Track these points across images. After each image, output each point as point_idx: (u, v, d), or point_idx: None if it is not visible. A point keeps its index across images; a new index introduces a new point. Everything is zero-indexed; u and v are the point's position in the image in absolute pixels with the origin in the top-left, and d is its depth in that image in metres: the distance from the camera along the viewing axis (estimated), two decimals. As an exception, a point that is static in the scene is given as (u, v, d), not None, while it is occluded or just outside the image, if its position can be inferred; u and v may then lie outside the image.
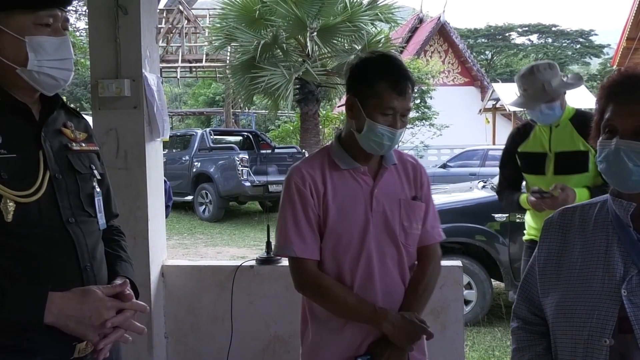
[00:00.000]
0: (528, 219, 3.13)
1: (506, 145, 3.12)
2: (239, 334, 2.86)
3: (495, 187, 3.13)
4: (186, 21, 18.45)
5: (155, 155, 2.88)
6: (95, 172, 1.56)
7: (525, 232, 3.18)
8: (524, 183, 3.12)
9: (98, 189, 1.55)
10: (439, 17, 23.95)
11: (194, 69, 20.58)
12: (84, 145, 1.55)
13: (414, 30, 25.23)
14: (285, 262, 2.93)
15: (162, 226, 3.01)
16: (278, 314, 2.89)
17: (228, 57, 17.22)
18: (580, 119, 2.89)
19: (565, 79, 2.96)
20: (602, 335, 1.28)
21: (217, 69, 20.26)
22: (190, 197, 12.57)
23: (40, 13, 1.39)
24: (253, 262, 2.93)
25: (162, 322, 2.94)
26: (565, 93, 2.90)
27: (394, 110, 1.80)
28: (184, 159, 12.66)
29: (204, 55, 19.26)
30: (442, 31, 23.93)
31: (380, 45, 14.74)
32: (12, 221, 1.33)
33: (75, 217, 1.45)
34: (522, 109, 3.85)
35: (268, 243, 2.96)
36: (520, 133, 3.05)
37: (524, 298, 1.51)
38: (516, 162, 2.99)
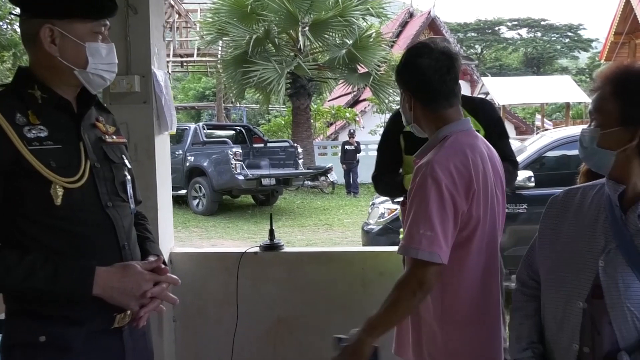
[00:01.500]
0: None
1: (388, 125, 2.89)
2: (245, 317, 3.01)
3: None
4: (177, 15, 18.48)
5: (163, 148, 3.01)
6: (126, 161, 1.73)
7: (401, 230, 2.95)
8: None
9: (129, 177, 1.72)
10: (429, 12, 24.12)
11: (185, 64, 20.62)
12: (115, 137, 1.72)
13: (404, 25, 25.38)
14: (286, 248, 3.11)
15: (170, 215, 3.15)
16: (281, 298, 3.04)
17: (220, 52, 17.30)
18: (468, 100, 2.68)
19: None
20: (577, 299, 1.47)
21: (208, 64, 20.32)
22: (184, 191, 12.67)
23: (96, 22, 1.57)
24: (257, 249, 3.08)
25: (170, 307, 3.08)
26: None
27: None
28: (177, 153, 12.79)
29: (195, 50, 19.31)
30: (432, 25, 24.10)
31: (372, 40, 14.88)
32: (61, 205, 1.49)
33: (112, 202, 1.61)
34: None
35: (271, 231, 3.10)
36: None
37: (525, 264, 1.72)
38: (398, 144, 2.77)
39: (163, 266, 1.64)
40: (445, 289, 1.81)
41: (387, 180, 2.82)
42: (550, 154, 6.15)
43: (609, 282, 1.43)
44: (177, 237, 10.79)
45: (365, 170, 11.89)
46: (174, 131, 3.02)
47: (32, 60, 1.58)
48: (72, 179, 1.52)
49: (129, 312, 1.59)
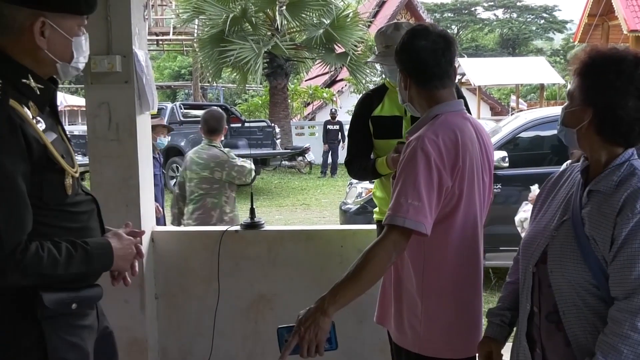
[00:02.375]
0: (379, 194, 2.90)
1: (356, 110, 2.90)
2: (226, 293, 3.07)
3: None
4: (153, -7, 18.19)
5: (144, 127, 3.04)
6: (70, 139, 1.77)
7: (375, 210, 2.95)
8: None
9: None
10: (406, -8, 24.08)
11: (160, 42, 20.36)
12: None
13: (381, 5, 25.33)
14: (267, 227, 3.17)
15: (151, 195, 3.18)
16: (261, 274, 3.11)
17: (196, 30, 17.12)
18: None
19: None
20: (531, 263, 1.63)
21: (184, 42, 20.10)
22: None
23: (82, 17, 1.60)
24: (238, 227, 3.14)
25: (152, 284, 3.13)
26: None
27: None
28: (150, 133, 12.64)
29: (171, 28, 19.08)
30: (409, 6, 24.11)
31: (349, 20, 14.86)
32: (70, 194, 1.60)
33: (80, 183, 1.72)
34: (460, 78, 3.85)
35: (252, 209, 3.16)
36: (373, 97, 2.84)
37: None
38: (368, 129, 2.80)
39: (137, 230, 1.82)
40: (427, 261, 1.89)
41: (359, 164, 2.82)
42: (524, 134, 6.28)
43: (552, 249, 1.57)
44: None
45: (343, 151, 11.91)
46: (155, 110, 3.05)
47: (11, 48, 1.52)
48: (73, 169, 1.61)
49: None
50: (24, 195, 1.46)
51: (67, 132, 1.72)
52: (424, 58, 1.89)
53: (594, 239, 1.48)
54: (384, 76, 2.83)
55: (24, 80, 1.52)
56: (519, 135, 6.16)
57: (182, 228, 3.94)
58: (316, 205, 11.16)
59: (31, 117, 1.49)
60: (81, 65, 1.64)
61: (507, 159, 5.62)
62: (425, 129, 1.86)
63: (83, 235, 1.61)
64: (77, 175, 1.62)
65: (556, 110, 6.95)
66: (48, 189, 1.53)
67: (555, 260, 1.55)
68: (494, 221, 5.70)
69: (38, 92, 1.54)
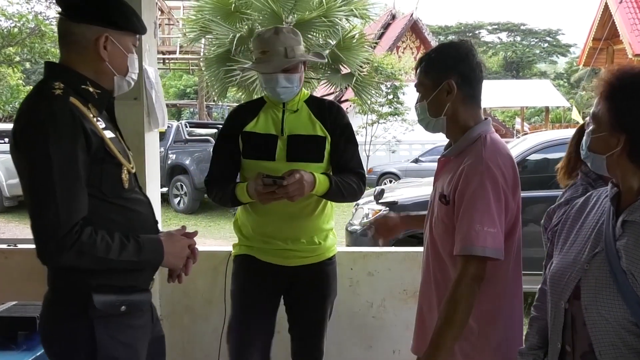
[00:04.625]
0: (243, 220, 2.55)
1: (226, 123, 2.60)
2: (232, 315, 3.00)
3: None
4: (160, 12, 18.34)
5: (153, 145, 3.01)
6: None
7: (234, 243, 2.63)
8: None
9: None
10: (412, 14, 24.23)
11: (166, 61, 20.46)
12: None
13: (386, 27, 25.47)
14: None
15: (159, 213, 3.13)
16: (269, 297, 3.04)
17: (202, 50, 17.19)
18: (316, 102, 2.53)
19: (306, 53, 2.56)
20: (563, 299, 1.52)
21: (190, 61, 20.18)
22: (165, 189, 12.55)
23: (135, 37, 1.83)
24: (246, 248, 3.07)
25: (157, 305, 3.06)
26: (305, 66, 2.46)
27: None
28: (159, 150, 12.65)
29: (178, 47, 19.17)
30: (414, 28, 24.21)
31: (355, 40, 14.90)
32: (127, 187, 1.76)
33: (139, 183, 1.90)
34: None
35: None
36: (247, 110, 2.54)
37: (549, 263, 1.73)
38: (237, 145, 2.47)
39: (190, 231, 1.93)
40: (485, 283, 1.81)
41: (219, 187, 2.48)
42: (531, 157, 6.23)
43: (586, 285, 1.47)
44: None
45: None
46: (164, 128, 3.02)
47: (72, 61, 1.74)
48: (130, 164, 1.80)
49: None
50: (81, 180, 1.63)
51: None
52: (478, 73, 1.89)
53: (632, 273, 1.38)
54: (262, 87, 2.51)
55: (84, 86, 1.73)
56: (527, 158, 6.11)
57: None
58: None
59: (91, 115, 1.69)
60: (132, 81, 1.85)
61: (516, 182, 5.56)
62: (482, 151, 1.82)
63: (138, 232, 1.74)
64: (133, 170, 1.80)
65: (564, 133, 6.91)
66: (106, 180, 1.70)
67: (590, 296, 1.45)
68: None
69: (96, 96, 1.74)
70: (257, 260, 2.51)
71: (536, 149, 6.06)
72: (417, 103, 1.97)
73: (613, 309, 1.40)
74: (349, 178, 2.44)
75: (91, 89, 1.74)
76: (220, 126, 2.91)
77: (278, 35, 2.40)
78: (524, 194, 5.89)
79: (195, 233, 1.94)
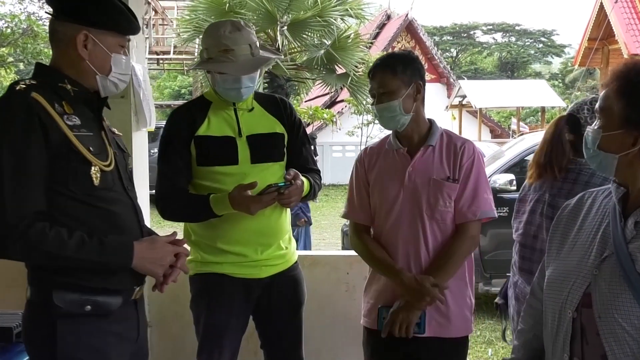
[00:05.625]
0: (204, 234, 2.28)
1: (172, 130, 2.28)
2: (224, 321, 2.89)
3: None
4: (154, 12, 18.22)
5: (141, 145, 2.90)
6: (128, 151, 1.97)
7: (194, 259, 2.31)
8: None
9: (131, 166, 1.98)
10: (407, 14, 24.18)
11: (160, 61, 20.35)
12: (115, 130, 1.95)
13: (381, 27, 25.40)
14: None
15: (147, 215, 3.02)
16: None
17: (196, 50, 17.09)
18: (267, 99, 2.40)
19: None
20: (569, 308, 1.40)
21: (184, 62, 20.07)
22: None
23: (123, 37, 1.81)
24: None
25: (145, 311, 2.96)
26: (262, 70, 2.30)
27: (371, 92, 2.24)
28: (152, 151, 12.56)
29: (172, 48, 19.06)
30: (409, 28, 24.15)
31: (350, 40, 14.82)
32: (99, 185, 1.70)
33: (129, 186, 1.85)
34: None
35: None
36: (193, 113, 2.28)
37: (541, 272, 1.63)
38: (188, 153, 2.24)
39: (180, 238, 1.86)
40: None
41: (180, 201, 2.24)
42: (529, 157, 6.14)
43: (599, 290, 1.37)
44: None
45: (342, 172, 11.78)
46: (152, 128, 2.91)
47: (58, 59, 1.77)
48: (105, 162, 1.74)
49: (142, 287, 1.84)
50: (35, 174, 1.61)
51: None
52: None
53: None
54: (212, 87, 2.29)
55: (61, 84, 1.72)
56: (525, 158, 6.01)
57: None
58: (316, 227, 10.97)
59: (59, 112, 1.66)
60: (119, 83, 1.82)
61: (514, 182, 5.47)
62: (459, 137, 2.30)
63: (112, 233, 1.71)
64: (109, 169, 1.74)
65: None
66: (73, 176, 1.66)
67: (604, 303, 1.35)
68: (501, 246, 5.54)
69: (72, 94, 1.73)
70: (226, 277, 2.28)
71: (535, 149, 5.95)
72: (383, 103, 2.17)
73: (630, 316, 1.31)
74: (313, 177, 2.36)
75: (68, 87, 1.73)
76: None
77: (241, 31, 2.21)
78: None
79: (184, 241, 1.87)
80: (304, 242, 7.90)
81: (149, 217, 3.09)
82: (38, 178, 1.62)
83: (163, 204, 2.27)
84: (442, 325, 2.18)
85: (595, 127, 1.42)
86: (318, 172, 2.43)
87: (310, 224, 8.02)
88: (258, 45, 2.25)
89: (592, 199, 1.51)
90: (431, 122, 2.28)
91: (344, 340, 2.94)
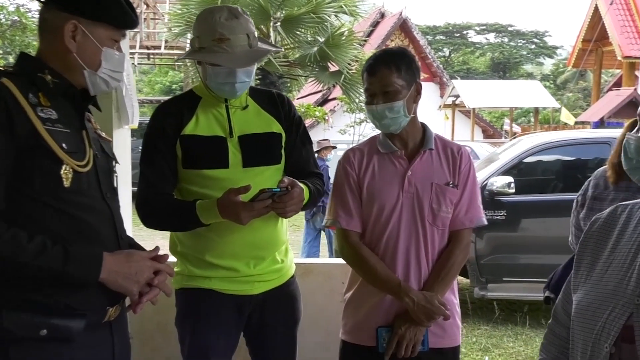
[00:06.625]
0: (192, 245, 2.10)
1: (156, 128, 2.07)
2: (210, 333, 2.72)
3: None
4: (145, 6, 17.97)
5: (123, 143, 2.72)
6: (115, 158, 1.79)
7: (180, 271, 2.15)
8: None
9: (117, 173, 1.78)
10: (401, 13, 24.09)
11: (151, 56, 20.11)
12: (103, 134, 1.77)
13: (375, 25, 25.28)
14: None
15: (129, 216, 2.84)
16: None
17: (188, 45, 16.86)
18: (263, 94, 2.17)
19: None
20: (605, 341, 1.21)
21: (176, 57, 19.83)
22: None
23: (117, 31, 1.64)
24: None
25: (127, 328, 2.78)
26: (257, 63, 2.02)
27: (370, 91, 2.04)
28: (140, 148, 12.35)
29: (163, 42, 18.83)
30: (403, 27, 24.06)
31: (344, 38, 14.65)
32: (69, 187, 1.51)
33: (109, 193, 1.65)
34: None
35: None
36: (180, 110, 2.07)
37: (565, 293, 1.44)
38: (174, 154, 2.04)
39: (163, 254, 1.65)
40: None
41: (165, 209, 2.04)
42: (527, 160, 5.99)
43: None
44: (138, 235, 10.42)
45: (334, 170, 11.57)
46: (135, 125, 2.72)
47: (43, 50, 1.62)
48: (80, 162, 1.55)
49: (118, 306, 1.63)
50: None
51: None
52: None
53: None
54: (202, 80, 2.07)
55: (40, 74, 1.57)
56: (524, 161, 5.86)
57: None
58: (301, 229, 10.78)
59: (32, 103, 1.50)
60: (110, 80, 1.65)
61: (513, 185, 5.32)
62: (444, 137, 2.21)
63: (80, 244, 1.52)
64: (84, 170, 1.56)
65: (559, 136, 6.69)
66: (39, 175, 1.49)
67: None
68: (497, 250, 5.41)
69: (51, 85, 1.57)
70: (215, 293, 2.08)
71: (535, 151, 5.81)
72: (387, 103, 2.02)
73: None
74: (314, 182, 2.12)
75: (48, 78, 1.57)
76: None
77: (238, 19, 1.97)
78: (522, 197, 5.63)
79: (166, 257, 1.65)
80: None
81: (131, 219, 2.90)
82: None
83: (145, 211, 2.07)
84: (438, 335, 2.10)
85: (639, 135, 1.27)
86: (320, 176, 2.20)
87: None
88: (256, 35, 2.04)
89: (628, 214, 1.34)
90: (424, 125, 2.18)
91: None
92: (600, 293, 1.27)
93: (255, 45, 2.01)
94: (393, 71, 2.03)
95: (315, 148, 9.77)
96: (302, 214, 11.61)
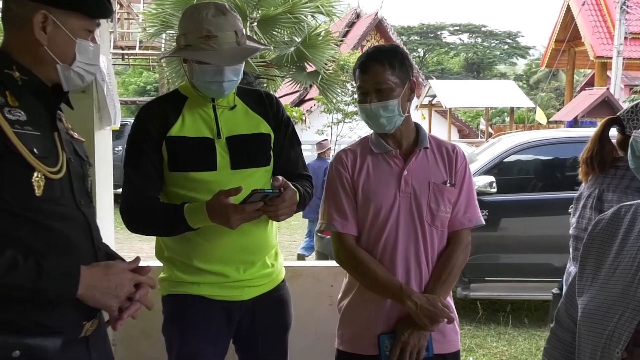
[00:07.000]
0: (179, 249, 2.02)
1: (140, 129, 2.00)
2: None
3: None
4: (119, 6, 17.70)
5: (105, 145, 2.64)
6: (89, 161, 1.67)
7: (166, 277, 2.08)
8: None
9: (90, 178, 1.65)
10: (376, 13, 24.15)
11: (125, 56, 19.84)
12: (76, 135, 1.64)
13: (351, 25, 25.31)
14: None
15: (111, 219, 2.77)
16: (239, 318, 2.69)
17: (163, 45, 16.66)
18: (251, 94, 2.10)
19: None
20: (615, 346, 1.17)
21: (150, 57, 19.59)
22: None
23: (91, 21, 1.52)
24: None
25: (109, 328, 2.69)
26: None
27: (363, 89, 1.98)
28: (117, 149, 12.15)
29: (137, 42, 18.59)
30: (379, 27, 24.14)
31: (320, 38, 14.62)
32: (41, 196, 1.39)
33: (83, 200, 1.53)
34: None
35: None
36: (165, 110, 2.00)
37: (568, 296, 1.40)
38: (159, 156, 1.97)
39: (144, 267, 1.55)
40: None
41: (151, 214, 1.96)
42: (508, 159, 6.01)
43: None
44: (115, 238, 10.24)
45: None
46: (117, 126, 2.64)
47: (10, 43, 1.48)
48: (53, 169, 1.43)
49: (95, 319, 1.54)
50: None
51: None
52: None
53: None
54: (190, 79, 2.00)
55: (6, 70, 1.45)
56: (504, 160, 5.88)
57: (145, 262, 3.49)
58: (286, 228, 10.74)
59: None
60: (85, 74, 1.54)
61: (494, 185, 5.33)
62: (440, 139, 2.15)
63: (59, 253, 1.41)
64: (57, 177, 1.44)
65: (540, 135, 6.73)
66: (8, 182, 1.36)
67: None
68: (480, 250, 5.40)
69: (20, 83, 1.45)
70: (203, 299, 2.02)
71: (515, 150, 5.83)
72: (382, 101, 1.97)
73: None
74: (303, 185, 2.06)
75: (16, 75, 1.44)
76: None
77: (226, 15, 1.91)
78: (504, 197, 5.63)
79: (147, 269, 1.54)
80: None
81: (113, 224, 2.81)
82: None
83: (130, 215, 1.99)
84: (439, 341, 2.05)
85: None
86: (309, 178, 2.14)
87: None
88: (244, 33, 1.97)
89: (632, 214, 1.31)
90: (417, 124, 2.14)
91: (328, 358, 2.72)
92: (609, 296, 1.24)
93: (244, 43, 1.95)
94: (386, 68, 1.97)
95: (317, 150, 9.74)
96: (301, 213, 11.48)
